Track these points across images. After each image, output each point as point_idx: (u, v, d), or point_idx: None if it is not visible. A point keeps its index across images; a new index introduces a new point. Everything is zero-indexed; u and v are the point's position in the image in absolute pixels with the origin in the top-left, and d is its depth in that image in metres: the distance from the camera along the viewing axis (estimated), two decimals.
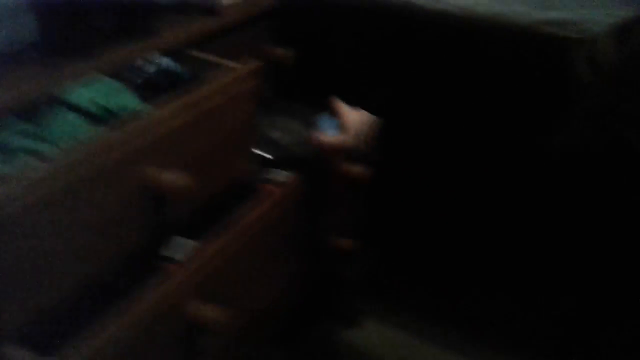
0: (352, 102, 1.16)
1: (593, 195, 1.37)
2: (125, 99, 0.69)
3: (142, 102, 0.70)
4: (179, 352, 0.73)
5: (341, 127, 0.94)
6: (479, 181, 1.46)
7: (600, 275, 1.39)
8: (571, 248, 1.40)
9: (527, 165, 1.40)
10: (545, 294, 1.45)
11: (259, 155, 0.98)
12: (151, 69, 0.74)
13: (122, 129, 0.61)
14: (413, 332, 1.42)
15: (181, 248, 0.83)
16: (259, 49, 1.02)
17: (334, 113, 0.94)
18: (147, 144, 0.63)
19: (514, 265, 1.47)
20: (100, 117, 0.67)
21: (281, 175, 0.95)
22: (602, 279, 1.39)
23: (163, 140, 0.65)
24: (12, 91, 0.63)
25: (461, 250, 1.51)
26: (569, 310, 1.42)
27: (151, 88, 0.74)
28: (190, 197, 0.74)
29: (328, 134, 0.90)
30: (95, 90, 0.68)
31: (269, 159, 0.98)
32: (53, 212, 0.55)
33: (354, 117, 0.94)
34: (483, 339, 1.40)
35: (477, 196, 1.48)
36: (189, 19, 0.85)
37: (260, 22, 0.99)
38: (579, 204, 1.37)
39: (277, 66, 1.07)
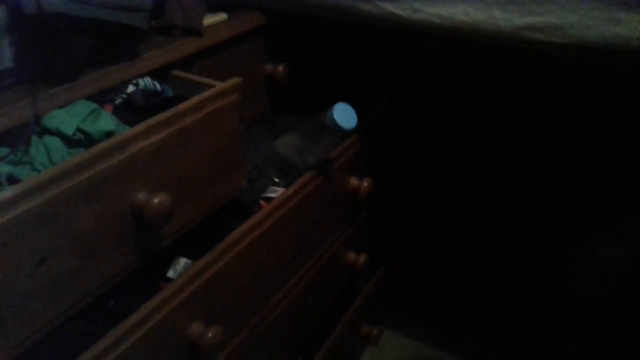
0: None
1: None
2: (103, 121, 0.70)
3: (120, 124, 0.72)
4: None
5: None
6: (492, 189, 1.45)
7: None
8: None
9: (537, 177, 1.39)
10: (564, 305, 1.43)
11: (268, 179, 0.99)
12: (130, 89, 0.76)
13: (93, 150, 0.62)
14: (433, 345, 1.41)
15: (180, 268, 0.85)
16: (249, 67, 1.03)
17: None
18: (121, 164, 0.64)
19: (531, 278, 1.45)
20: (79, 140, 0.68)
21: (278, 192, 0.95)
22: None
23: (139, 160, 0.66)
24: None
25: (479, 262, 1.50)
26: (585, 320, 1.39)
27: (131, 109, 0.75)
28: (180, 217, 0.76)
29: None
30: (74, 114, 0.69)
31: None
32: (28, 234, 0.56)
33: None
34: (501, 352, 1.38)
35: (489, 206, 1.47)
36: (171, 40, 0.86)
37: (248, 40, 1.00)
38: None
39: (270, 82, 1.08)
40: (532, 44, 0.80)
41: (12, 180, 0.62)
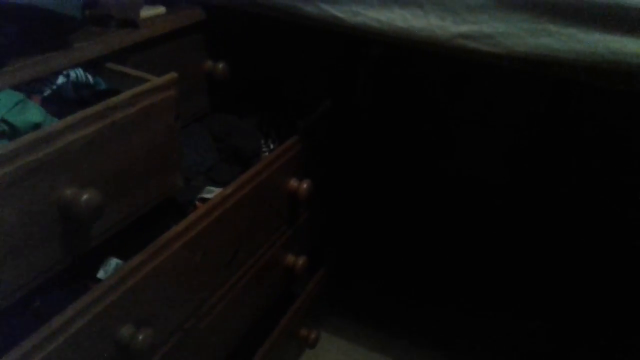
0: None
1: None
2: (30, 112, 0.66)
3: (49, 116, 0.68)
4: None
5: None
6: (427, 192, 1.48)
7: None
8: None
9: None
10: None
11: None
12: (59, 80, 0.72)
13: (18, 141, 0.58)
14: (369, 347, 1.43)
15: (111, 268, 0.81)
16: (188, 63, 1.01)
17: None
18: (48, 157, 0.61)
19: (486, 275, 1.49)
20: (3, 132, 0.65)
21: (215, 193, 0.94)
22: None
23: (68, 154, 0.63)
24: None
25: (416, 263, 1.52)
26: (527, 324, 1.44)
27: (61, 101, 0.72)
28: (112, 215, 0.73)
29: None
30: None
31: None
32: None
33: None
34: (441, 351, 1.41)
35: (425, 207, 1.50)
36: (106, 32, 0.84)
37: (187, 36, 0.98)
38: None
39: (210, 80, 1.07)
40: (468, 52, 0.82)
41: None
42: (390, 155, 1.48)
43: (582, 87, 1.23)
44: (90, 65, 0.80)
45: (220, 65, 1.03)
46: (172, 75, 0.77)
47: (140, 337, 0.70)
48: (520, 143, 1.38)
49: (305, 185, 1.05)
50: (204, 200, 0.91)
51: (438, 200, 1.49)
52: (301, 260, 1.14)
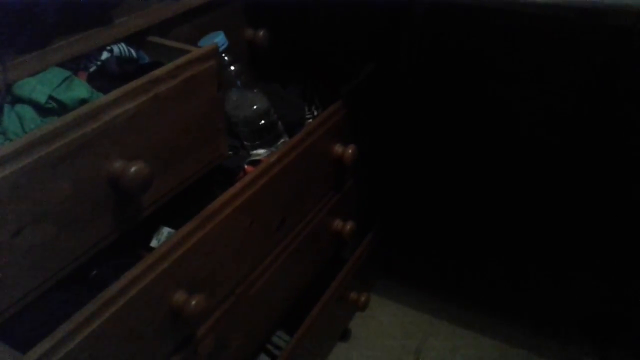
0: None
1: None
2: (76, 89, 0.68)
3: (94, 91, 0.70)
4: (165, 342, 0.74)
5: None
6: (475, 154, 1.45)
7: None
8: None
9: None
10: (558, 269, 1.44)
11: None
12: (103, 56, 0.74)
13: (66, 117, 0.60)
14: (422, 309, 1.43)
15: (163, 237, 0.84)
16: (229, 33, 1.01)
17: None
18: (96, 132, 0.63)
19: (523, 241, 1.46)
20: (52, 109, 0.67)
21: (262, 156, 0.94)
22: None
23: (114, 128, 0.65)
24: None
25: (466, 227, 1.50)
26: (580, 285, 1.41)
27: (106, 76, 0.73)
28: (161, 186, 0.75)
29: None
30: (46, 82, 0.67)
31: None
32: (3, 204, 0.55)
33: None
34: (491, 314, 1.40)
35: (474, 170, 1.47)
36: (147, 5, 0.84)
37: (227, 5, 0.98)
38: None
39: (251, 48, 1.06)
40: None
41: None
42: (437, 118, 1.45)
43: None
44: (132, 40, 0.81)
45: (261, 33, 1.03)
46: (214, 45, 0.77)
47: (193, 303, 0.72)
48: (570, 107, 1.31)
49: (350, 151, 1.04)
50: (254, 162, 0.91)
51: (488, 162, 1.45)
52: (349, 225, 1.15)
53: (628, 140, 1.27)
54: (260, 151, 0.97)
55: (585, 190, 1.38)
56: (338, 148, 1.05)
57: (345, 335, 1.39)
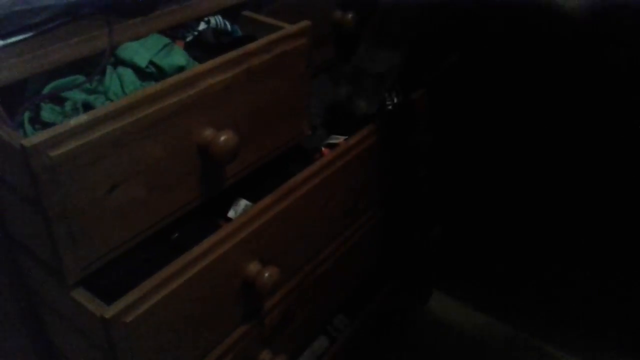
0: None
1: None
2: (175, 56, 0.70)
3: (191, 60, 0.72)
4: (235, 309, 0.76)
5: None
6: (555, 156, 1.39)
7: None
8: None
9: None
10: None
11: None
12: (201, 26, 0.75)
13: (164, 82, 0.62)
14: (485, 307, 1.41)
15: (240, 209, 0.86)
16: (318, 12, 1.01)
17: None
18: (191, 99, 0.65)
19: (590, 244, 1.40)
20: (151, 73, 0.69)
21: (340, 140, 0.94)
22: None
23: (208, 96, 0.66)
24: (70, 47, 0.66)
25: (535, 229, 1.45)
26: None
27: (202, 46, 0.75)
28: (244, 158, 0.76)
29: None
30: (147, 47, 0.70)
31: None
32: (102, 160, 0.58)
33: None
34: (557, 316, 1.36)
35: (551, 172, 1.41)
36: None
37: None
38: None
39: (338, 30, 1.06)
40: None
41: (87, 107, 0.64)
42: (522, 109, 1.40)
43: None
44: (228, 13, 0.82)
45: (350, 16, 1.02)
46: (306, 23, 0.77)
47: (267, 275, 0.73)
48: None
49: (427, 141, 1.03)
50: (331, 145, 0.92)
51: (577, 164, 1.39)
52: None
53: None
54: (339, 137, 0.97)
55: None
56: (416, 137, 1.04)
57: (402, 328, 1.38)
